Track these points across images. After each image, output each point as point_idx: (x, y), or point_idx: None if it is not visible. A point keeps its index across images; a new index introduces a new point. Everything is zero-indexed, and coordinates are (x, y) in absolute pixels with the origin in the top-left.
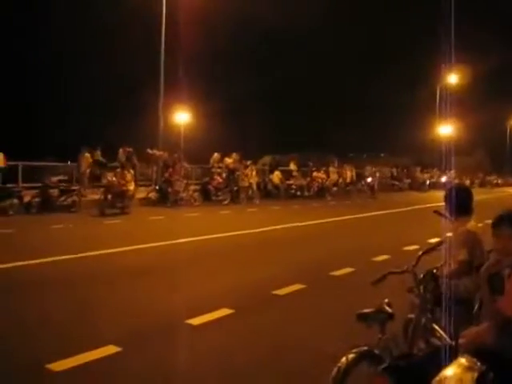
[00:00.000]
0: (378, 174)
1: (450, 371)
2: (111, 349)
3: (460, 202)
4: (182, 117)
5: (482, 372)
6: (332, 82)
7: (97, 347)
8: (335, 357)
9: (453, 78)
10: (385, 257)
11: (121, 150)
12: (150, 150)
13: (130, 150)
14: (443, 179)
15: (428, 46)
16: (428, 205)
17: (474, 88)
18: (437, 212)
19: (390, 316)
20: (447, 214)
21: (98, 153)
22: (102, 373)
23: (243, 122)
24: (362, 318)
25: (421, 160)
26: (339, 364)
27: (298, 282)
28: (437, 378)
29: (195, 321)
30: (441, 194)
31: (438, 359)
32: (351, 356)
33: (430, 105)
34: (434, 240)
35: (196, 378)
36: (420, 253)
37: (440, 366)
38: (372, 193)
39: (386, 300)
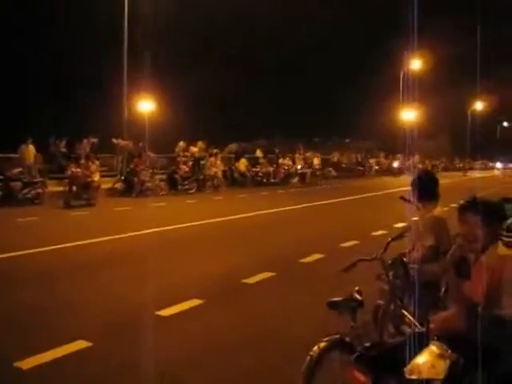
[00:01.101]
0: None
1: (421, 359)
2: (81, 344)
3: (426, 188)
4: (146, 106)
5: (453, 360)
6: (296, 67)
7: (66, 343)
8: (306, 345)
9: (416, 64)
10: (353, 242)
11: (85, 141)
12: (114, 140)
13: (95, 140)
14: (395, 164)
15: (392, 31)
16: (392, 190)
17: (437, 73)
18: (403, 198)
19: (360, 304)
20: (414, 200)
21: (63, 143)
22: (72, 369)
23: (208, 110)
24: (333, 305)
25: (385, 145)
26: (311, 353)
27: (267, 270)
28: (409, 367)
29: (165, 312)
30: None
31: (409, 346)
32: (323, 344)
33: (394, 90)
34: (400, 225)
35: (169, 370)
36: (389, 239)
37: (411, 354)
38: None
39: (357, 288)
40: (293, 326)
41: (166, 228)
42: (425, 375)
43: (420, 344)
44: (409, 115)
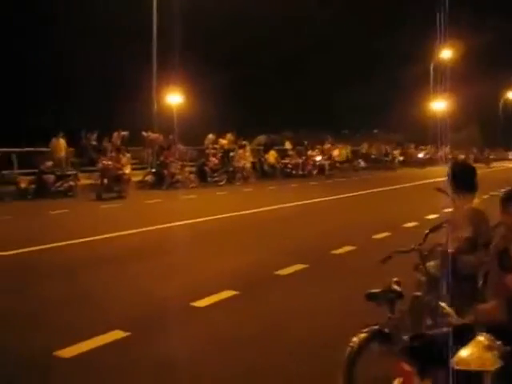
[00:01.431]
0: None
1: (468, 350)
2: (118, 334)
3: (463, 179)
4: (174, 99)
5: (502, 351)
6: (325, 59)
7: (104, 332)
8: (341, 334)
9: (446, 53)
10: (385, 234)
11: (115, 134)
12: (144, 133)
13: (125, 133)
14: (420, 155)
15: (421, 21)
16: (423, 181)
17: (467, 63)
18: (439, 189)
19: (399, 295)
20: (450, 192)
21: (94, 137)
22: (111, 358)
23: (236, 102)
24: (372, 297)
25: (415, 136)
26: (351, 344)
27: (300, 262)
28: (455, 358)
29: (200, 303)
30: (436, 170)
31: (454, 338)
32: (362, 336)
33: (424, 81)
34: (431, 216)
35: (206, 360)
36: (427, 231)
37: (456, 345)
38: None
39: (395, 279)
40: (330, 317)
41: (197, 220)
42: (473, 366)
43: (465, 335)
44: (439, 106)
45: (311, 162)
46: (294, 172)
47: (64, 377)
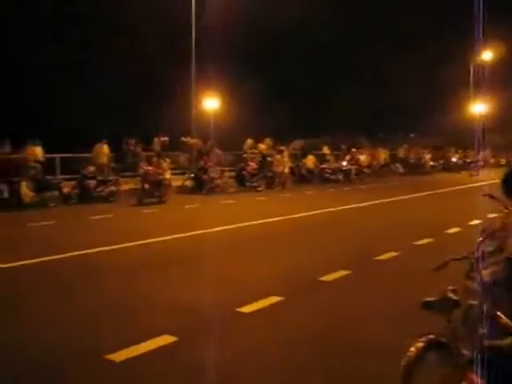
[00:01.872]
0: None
1: None
2: (167, 339)
3: None
4: (212, 103)
5: None
6: (360, 60)
7: (153, 337)
8: (389, 342)
9: (486, 55)
10: (427, 240)
11: (155, 139)
12: (184, 138)
13: (166, 138)
14: (453, 159)
15: (460, 21)
16: (463, 186)
17: (507, 64)
18: (489, 195)
19: (456, 303)
20: (503, 198)
21: (134, 142)
22: (161, 362)
23: (273, 107)
24: (428, 305)
25: (454, 140)
26: (409, 353)
27: (343, 268)
28: None
29: (246, 309)
30: (466, 176)
31: None
32: (420, 345)
33: (463, 83)
34: (475, 222)
35: (253, 366)
36: (480, 238)
37: None
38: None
39: (451, 287)
40: (378, 324)
41: (238, 225)
42: None
43: None
44: (478, 108)
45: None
46: (332, 177)
47: (114, 381)
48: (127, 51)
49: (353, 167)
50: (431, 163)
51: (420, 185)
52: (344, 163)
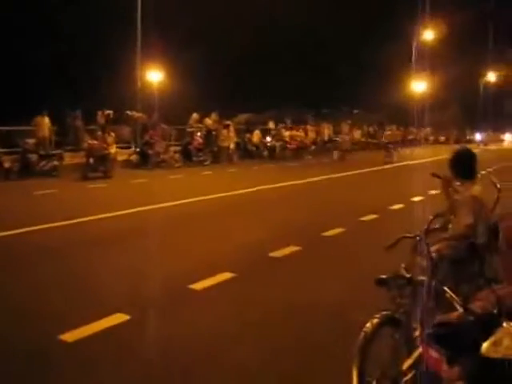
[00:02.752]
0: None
1: (497, 338)
2: (120, 317)
3: (464, 166)
4: (156, 76)
5: None
6: (305, 37)
7: (105, 315)
8: (340, 317)
9: (427, 34)
10: (373, 216)
11: (99, 113)
12: (129, 112)
13: (110, 112)
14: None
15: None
16: (406, 163)
17: (447, 42)
18: (435, 175)
19: (409, 281)
20: (451, 178)
21: (78, 116)
22: (115, 341)
23: (218, 81)
24: (382, 283)
25: (395, 117)
26: (364, 329)
27: (293, 244)
28: (485, 345)
29: (198, 285)
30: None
31: (480, 326)
32: (375, 321)
33: (404, 61)
34: (417, 198)
35: (208, 344)
36: (431, 217)
37: (482, 334)
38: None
39: (403, 265)
40: (325, 298)
41: (186, 201)
42: (501, 355)
43: (491, 323)
44: (419, 86)
45: (294, 143)
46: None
47: (68, 361)
48: (70, 21)
49: (278, 143)
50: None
51: (364, 162)
52: (268, 139)
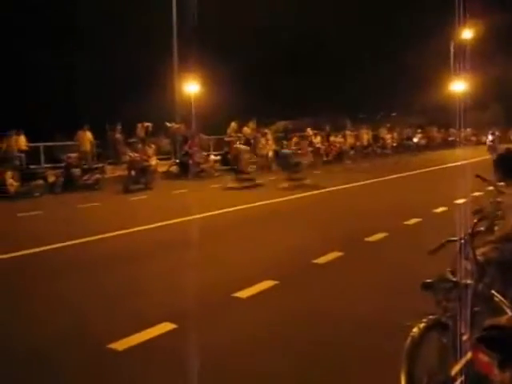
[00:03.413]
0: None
1: None
2: (167, 326)
3: (510, 167)
4: (194, 87)
5: None
6: (340, 42)
7: (153, 325)
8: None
9: (466, 33)
10: (416, 220)
11: (139, 126)
12: (168, 124)
13: (149, 124)
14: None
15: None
16: (448, 165)
17: (486, 41)
18: (479, 177)
19: (455, 284)
20: (494, 179)
21: (119, 129)
22: (164, 350)
23: (254, 89)
24: (428, 287)
25: (435, 119)
26: (412, 333)
27: (336, 250)
28: None
29: (242, 294)
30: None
31: None
32: (422, 325)
33: (444, 62)
34: (461, 201)
35: (256, 352)
36: (475, 220)
37: None
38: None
39: (449, 269)
40: (370, 304)
41: (228, 210)
42: None
43: None
44: (459, 87)
45: (334, 148)
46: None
47: (118, 369)
48: (108, 37)
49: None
50: (422, 142)
51: (404, 165)
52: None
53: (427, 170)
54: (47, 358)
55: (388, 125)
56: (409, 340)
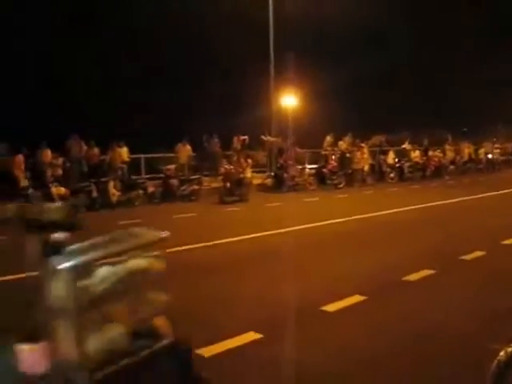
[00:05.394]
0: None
1: None
2: (252, 335)
3: None
4: (291, 100)
5: None
6: (443, 57)
7: (239, 333)
8: (478, 344)
9: None
10: None
11: (235, 138)
12: (263, 137)
13: (245, 137)
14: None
15: None
16: None
17: None
18: None
19: None
20: None
21: (215, 142)
22: (249, 358)
23: (350, 103)
24: None
25: None
26: (498, 358)
27: (427, 268)
28: None
29: (330, 307)
30: None
31: None
32: (510, 349)
33: None
34: None
35: (342, 366)
36: None
37: None
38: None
39: None
40: (459, 324)
41: (321, 223)
42: None
43: None
44: None
45: (432, 163)
46: (413, 174)
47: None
48: (202, 51)
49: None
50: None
51: (506, 181)
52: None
53: None
54: None
55: (494, 139)
56: (494, 364)
